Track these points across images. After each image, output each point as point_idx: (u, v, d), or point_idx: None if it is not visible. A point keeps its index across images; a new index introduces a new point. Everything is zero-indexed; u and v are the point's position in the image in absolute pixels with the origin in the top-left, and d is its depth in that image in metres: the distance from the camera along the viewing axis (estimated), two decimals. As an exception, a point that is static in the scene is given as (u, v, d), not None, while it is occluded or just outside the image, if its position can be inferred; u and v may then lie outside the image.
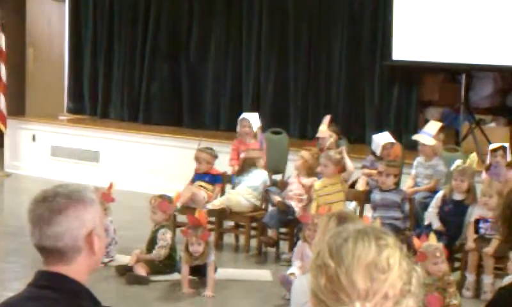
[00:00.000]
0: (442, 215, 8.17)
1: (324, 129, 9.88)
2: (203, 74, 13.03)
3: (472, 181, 8.22)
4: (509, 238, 3.37)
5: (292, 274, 7.17)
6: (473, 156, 8.93)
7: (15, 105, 13.68)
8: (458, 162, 8.65)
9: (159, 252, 8.15)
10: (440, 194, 8.31)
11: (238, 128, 10.16)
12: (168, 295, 7.83)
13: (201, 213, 7.95)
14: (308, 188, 8.95)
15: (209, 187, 9.56)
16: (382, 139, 9.58)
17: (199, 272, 7.89)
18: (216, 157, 9.69)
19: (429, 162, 9.06)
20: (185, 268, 7.83)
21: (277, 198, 8.98)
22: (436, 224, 8.12)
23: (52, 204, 2.58)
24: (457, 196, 8.18)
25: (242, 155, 9.61)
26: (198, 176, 9.63)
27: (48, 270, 2.61)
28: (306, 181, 9.01)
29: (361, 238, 1.78)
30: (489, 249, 7.68)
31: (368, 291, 1.72)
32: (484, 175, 8.69)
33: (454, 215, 8.11)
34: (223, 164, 9.94)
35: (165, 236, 8.18)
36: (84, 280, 2.63)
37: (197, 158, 9.67)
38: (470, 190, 8.15)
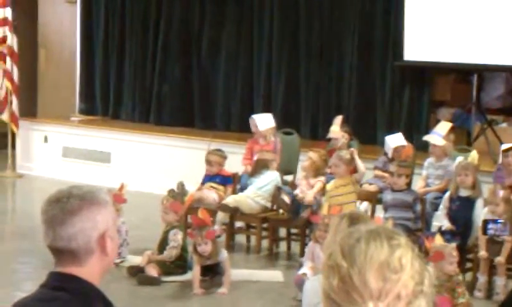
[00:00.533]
0: (451, 213, 8.17)
1: (337, 129, 9.88)
2: (215, 75, 13.04)
3: (476, 175, 8.22)
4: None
5: (304, 274, 7.17)
6: (474, 153, 8.90)
7: (26, 106, 13.71)
8: (460, 158, 8.66)
9: (171, 252, 8.17)
10: (446, 195, 8.31)
11: (252, 128, 10.24)
12: (180, 295, 7.83)
13: (203, 212, 7.96)
14: (313, 187, 8.98)
15: (220, 187, 9.58)
16: (394, 142, 9.56)
17: (212, 271, 7.91)
18: (225, 157, 9.72)
19: (439, 162, 9.04)
20: (196, 269, 7.85)
21: (287, 200, 8.98)
22: (446, 225, 8.12)
23: (66, 205, 2.59)
24: (464, 192, 8.19)
25: (255, 157, 9.63)
26: (209, 178, 9.65)
27: (60, 272, 2.62)
28: (314, 181, 9.03)
29: (374, 238, 1.78)
30: (501, 259, 7.66)
31: (381, 291, 1.72)
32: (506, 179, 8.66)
33: (462, 211, 8.11)
34: (234, 164, 9.94)
35: (176, 237, 8.19)
36: (97, 281, 2.64)
37: (208, 161, 9.69)
38: (475, 185, 8.16)
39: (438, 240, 7.03)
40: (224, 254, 7.89)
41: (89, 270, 2.61)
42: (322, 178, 9.05)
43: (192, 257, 8.03)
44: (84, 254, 2.60)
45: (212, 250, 7.79)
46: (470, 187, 8.17)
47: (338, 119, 10.03)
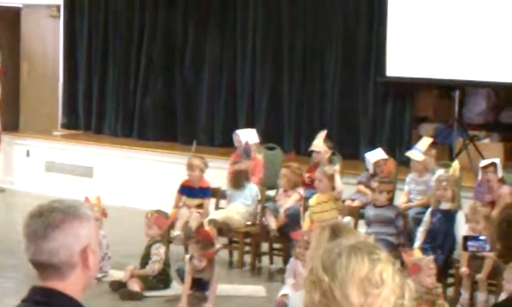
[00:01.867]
0: (432, 227, 8.17)
1: (320, 143, 9.90)
2: (198, 90, 13.05)
3: (455, 188, 8.24)
4: (503, 253, 3.38)
5: (285, 295, 7.16)
6: (456, 164, 8.93)
7: (9, 121, 13.67)
8: (440, 171, 8.68)
9: (153, 267, 8.15)
10: (428, 211, 8.32)
11: (235, 143, 10.27)
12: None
13: (211, 230, 8.00)
14: (295, 199, 9.01)
15: (194, 202, 9.48)
16: (373, 157, 9.61)
17: (201, 287, 7.88)
18: (207, 166, 9.67)
19: (421, 178, 9.08)
20: (187, 280, 7.81)
21: (272, 222, 8.94)
22: (419, 242, 8.12)
23: (48, 219, 2.58)
24: (444, 205, 8.20)
25: (231, 168, 9.62)
26: (187, 191, 9.55)
27: (42, 286, 2.61)
28: (293, 193, 9.08)
29: (355, 253, 1.79)
30: (482, 277, 7.66)
31: (363, 305, 1.73)
32: (486, 196, 8.69)
33: (442, 224, 8.11)
34: (218, 179, 9.94)
35: (159, 251, 8.18)
36: (79, 296, 2.63)
37: (190, 165, 9.57)
38: (455, 197, 8.18)
39: (417, 253, 7.05)
40: (215, 270, 7.87)
41: (71, 285, 2.60)
42: (300, 190, 9.08)
43: (182, 268, 7.96)
44: (66, 269, 2.59)
45: (206, 267, 7.79)
46: (450, 199, 8.18)
47: (322, 134, 10.06)
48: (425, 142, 9.44)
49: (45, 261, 2.58)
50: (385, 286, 1.76)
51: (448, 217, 8.13)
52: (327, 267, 1.79)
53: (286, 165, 9.34)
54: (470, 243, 7.60)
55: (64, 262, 2.58)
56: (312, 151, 9.98)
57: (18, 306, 2.64)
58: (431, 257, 7.01)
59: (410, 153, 9.30)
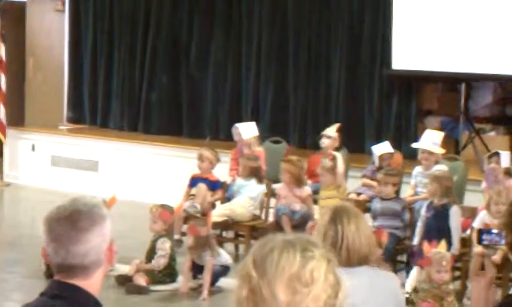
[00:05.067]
0: (426, 221, 8.14)
1: (333, 130, 9.91)
2: (203, 84, 13.04)
3: (449, 184, 8.20)
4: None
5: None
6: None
7: (14, 115, 13.67)
8: (437, 167, 8.67)
9: (159, 261, 8.15)
10: (423, 206, 8.29)
11: (234, 137, 10.24)
12: (168, 304, 7.81)
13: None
14: (305, 199, 8.96)
15: (208, 193, 9.57)
16: (379, 150, 9.60)
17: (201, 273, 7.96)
18: (218, 160, 9.71)
19: (428, 171, 9.05)
20: (186, 264, 7.97)
21: (288, 226, 8.87)
22: (417, 238, 8.11)
23: (78, 224, 2.61)
24: (438, 201, 8.16)
25: (241, 162, 9.59)
26: (196, 181, 9.59)
27: (60, 280, 2.63)
28: (300, 192, 9.00)
29: (287, 249, 1.73)
30: (496, 258, 7.60)
31: (290, 304, 1.68)
32: (484, 184, 8.70)
33: (437, 219, 8.08)
34: (223, 173, 9.94)
35: (164, 246, 8.17)
36: (98, 291, 2.67)
37: (200, 156, 9.65)
38: (449, 193, 8.15)
39: (441, 247, 7.06)
40: (206, 256, 7.89)
41: (95, 281, 2.66)
42: (308, 189, 9.06)
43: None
44: (94, 267, 2.64)
45: (195, 247, 7.86)
46: (444, 195, 8.14)
47: (336, 125, 10.08)
48: (438, 135, 9.43)
49: (77, 263, 2.61)
50: (315, 285, 1.69)
51: (442, 213, 8.09)
52: (257, 263, 1.73)
53: (286, 159, 9.30)
54: (484, 236, 7.59)
55: (94, 262, 2.63)
56: (321, 139, 9.91)
57: (36, 299, 2.65)
58: (448, 254, 7.02)
59: (428, 146, 9.20)
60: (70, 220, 2.60)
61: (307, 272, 1.71)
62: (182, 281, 8.01)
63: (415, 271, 7.77)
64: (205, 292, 7.82)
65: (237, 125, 10.39)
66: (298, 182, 9.03)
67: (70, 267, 2.61)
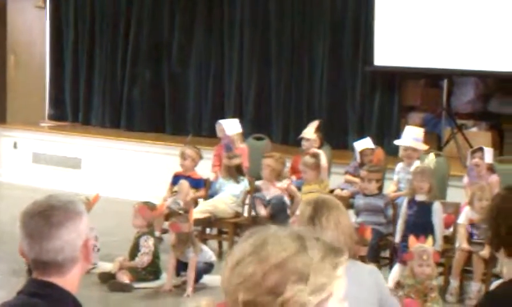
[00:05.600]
0: (409, 218, 8.15)
1: (311, 132, 9.91)
2: (185, 80, 13.02)
3: (432, 180, 8.22)
4: (493, 241, 3.39)
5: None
6: (431, 156, 8.94)
7: (-4, 112, 13.61)
8: (417, 163, 8.68)
9: (142, 259, 8.13)
10: (404, 203, 8.30)
11: (217, 134, 10.24)
12: (152, 302, 7.79)
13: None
14: (286, 189, 9.00)
15: (191, 190, 9.57)
16: (360, 146, 9.62)
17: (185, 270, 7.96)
18: (201, 157, 9.73)
19: (410, 166, 9.06)
20: (171, 262, 7.99)
21: (262, 209, 8.96)
22: (398, 236, 8.13)
23: (51, 219, 2.58)
24: (420, 197, 8.17)
25: (224, 161, 9.59)
26: (179, 179, 9.59)
27: (38, 279, 2.61)
28: (281, 184, 9.04)
29: None
30: (485, 253, 7.62)
31: None
32: (466, 180, 8.73)
33: (419, 216, 8.09)
34: (205, 169, 9.93)
35: (147, 243, 8.16)
36: (76, 289, 2.64)
37: (183, 154, 9.67)
38: (431, 190, 8.17)
39: (428, 243, 7.11)
40: (190, 254, 7.88)
41: (71, 279, 2.62)
42: (287, 181, 9.09)
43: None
44: (69, 264, 2.60)
45: (177, 244, 7.88)
46: (427, 191, 8.17)
47: (315, 123, 10.07)
48: (419, 131, 9.44)
49: (50, 259, 2.58)
50: None
51: (425, 209, 8.11)
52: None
53: (268, 155, 9.35)
54: (474, 232, 7.64)
55: (68, 258, 2.60)
56: (302, 140, 9.96)
57: (14, 297, 2.63)
58: (429, 248, 7.05)
59: (412, 143, 9.21)
60: (43, 216, 2.58)
61: None
62: (166, 279, 7.99)
63: (396, 267, 7.79)
64: (190, 289, 7.81)
65: (221, 121, 10.39)
66: (278, 177, 9.06)
67: (44, 263, 2.59)
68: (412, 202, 8.18)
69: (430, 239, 7.23)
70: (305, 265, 1.67)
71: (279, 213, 8.85)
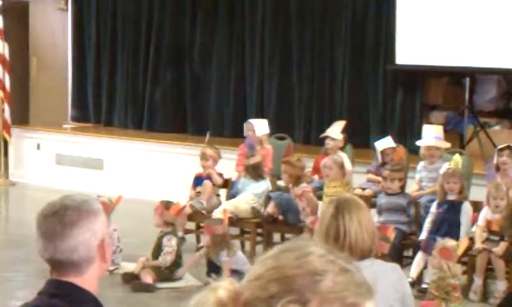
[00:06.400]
0: (438, 217, 8.13)
1: (338, 132, 9.89)
2: (207, 81, 13.03)
3: (463, 181, 8.21)
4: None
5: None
6: (457, 157, 8.89)
7: (19, 114, 13.68)
8: (446, 164, 8.65)
9: (165, 258, 8.15)
10: (435, 203, 8.28)
11: (244, 132, 10.24)
12: (175, 302, 7.80)
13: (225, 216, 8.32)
14: (301, 194, 8.97)
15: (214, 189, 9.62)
16: (380, 145, 9.60)
17: (215, 271, 7.98)
18: (220, 156, 9.75)
19: (432, 165, 9.03)
20: (197, 254, 8.33)
21: (270, 207, 8.98)
22: (425, 233, 8.13)
23: (64, 218, 2.58)
24: (450, 196, 8.16)
25: (246, 162, 9.60)
26: (200, 180, 9.61)
27: (58, 279, 2.62)
28: (297, 189, 9.01)
29: None
30: (498, 250, 7.62)
31: None
32: (497, 176, 8.67)
33: (448, 214, 8.08)
34: (227, 170, 9.93)
35: (170, 243, 8.18)
36: (95, 288, 2.64)
37: (203, 154, 9.69)
38: (463, 191, 8.16)
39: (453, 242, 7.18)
40: (223, 257, 7.89)
41: (89, 279, 2.62)
42: (308, 186, 9.05)
43: None
44: (85, 264, 2.60)
45: (211, 246, 7.93)
46: (458, 192, 8.15)
47: (341, 123, 10.05)
48: (439, 129, 9.41)
49: (65, 259, 2.59)
50: None
51: (455, 207, 8.09)
52: None
53: (285, 160, 9.30)
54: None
55: (84, 258, 2.60)
56: (325, 138, 9.92)
57: (35, 298, 2.64)
58: (439, 245, 7.08)
59: (436, 142, 9.18)
60: (57, 216, 2.59)
61: None
62: (183, 268, 8.16)
63: (419, 257, 7.82)
64: None
65: (251, 120, 10.41)
66: (297, 182, 9.02)
67: (60, 263, 2.59)
68: (443, 202, 8.16)
69: (465, 239, 7.29)
70: (310, 290, 1.53)
71: (286, 212, 8.85)
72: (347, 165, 9.05)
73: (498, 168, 8.69)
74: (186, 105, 13.23)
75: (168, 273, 8.16)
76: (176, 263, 8.22)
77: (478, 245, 7.79)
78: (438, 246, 7.12)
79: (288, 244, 1.65)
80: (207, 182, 9.45)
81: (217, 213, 9.01)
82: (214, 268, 7.99)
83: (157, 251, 8.24)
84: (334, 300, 1.53)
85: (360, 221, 3.69)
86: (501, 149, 8.85)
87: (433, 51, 10.97)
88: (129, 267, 8.36)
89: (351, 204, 3.75)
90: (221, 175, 9.68)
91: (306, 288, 1.53)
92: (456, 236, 7.99)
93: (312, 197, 8.95)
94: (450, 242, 7.17)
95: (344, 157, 9.16)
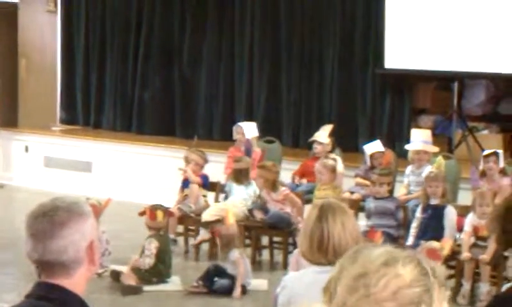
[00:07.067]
0: (423, 221, 8.15)
1: (325, 136, 9.90)
2: (196, 83, 13.03)
3: (445, 184, 8.23)
4: (501, 240, 3.39)
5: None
6: (440, 159, 8.91)
7: (7, 116, 13.65)
8: (429, 168, 8.67)
9: (144, 261, 8.19)
10: (418, 209, 8.30)
11: (234, 136, 10.24)
12: (160, 304, 7.80)
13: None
14: (283, 200, 8.97)
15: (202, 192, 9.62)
16: (369, 149, 9.62)
17: (221, 275, 8.03)
18: (206, 161, 9.70)
19: (420, 169, 9.06)
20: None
21: (259, 214, 8.99)
22: (411, 238, 8.15)
23: (54, 218, 2.58)
24: (433, 201, 8.19)
25: (233, 166, 9.60)
26: (188, 182, 9.61)
27: (46, 281, 2.61)
28: (277, 196, 9.01)
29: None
30: (485, 257, 7.65)
31: None
32: (480, 182, 8.70)
33: (432, 219, 8.10)
34: (216, 173, 9.94)
35: (150, 246, 8.22)
36: (83, 291, 2.64)
37: (186, 158, 9.69)
38: (445, 194, 8.19)
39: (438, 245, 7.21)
40: (234, 255, 7.96)
41: (77, 281, 2.62)
42: (283, 189, 9.05)
43: None
44: (74, 266, 2.60)
45: (223, 248, 8.10)
46: (440, 196, 8.18)
47: (328, 127, 10.07)
48: (427, 133, 9.43)
49: (54, 260, 2.59)
50: None
51: (438, 212, 8.11)
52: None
53: (260, 165, 9.29)
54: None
55: (72, 259, 2.59)
56: (312, 143, 9.95)
57: (22, 301, 2.64)
58: (421, 248, 7.11)
59: (424, 147, 9.20)
60: (48, 216, 2.59)
61: None
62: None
63: None
64: (238, 290, 7.85)
65: (240, 123, 10.42)
66: (273, 187, 9.02)
67: (48, 264, 2.59)
68: (426, 206, 8.18)
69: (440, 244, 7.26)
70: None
71: (279, 223, 8.85)
72: (339, 167, 9.05)
73: (484, 174, 8.70)
74: (175, 108, 13.22)
75: (147, 275, 8.15)
76: (156, 266, 8.20)
77: (465, 254, 7.80)
78: (424, 248, 7.14)
79: (378, 251, 1.78)
80: (192, 186, 9.46)
81: (206, 216, 9.03)
82: (217, 273, 7.98)
83: (142, 253, 8.28)
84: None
85: (343, 224, 3.71)
86: (487, 156, 8.84)
87: (422, 55, 11.00)
88: (118, 269, 8.35)
89: (334, 208, 3.77)
90: (204, 176, 9.66)
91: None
92: (441, 240, 8.04)
93: (293, 197, 8.98)
94: (434, 243, 7.20)
95: (338, 160, 9.17)
